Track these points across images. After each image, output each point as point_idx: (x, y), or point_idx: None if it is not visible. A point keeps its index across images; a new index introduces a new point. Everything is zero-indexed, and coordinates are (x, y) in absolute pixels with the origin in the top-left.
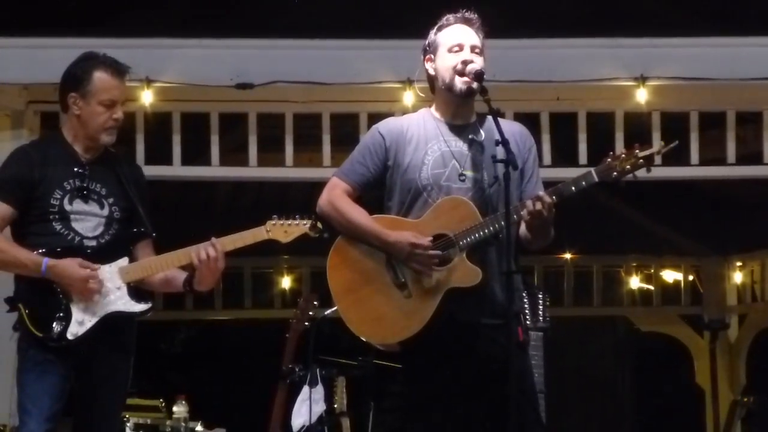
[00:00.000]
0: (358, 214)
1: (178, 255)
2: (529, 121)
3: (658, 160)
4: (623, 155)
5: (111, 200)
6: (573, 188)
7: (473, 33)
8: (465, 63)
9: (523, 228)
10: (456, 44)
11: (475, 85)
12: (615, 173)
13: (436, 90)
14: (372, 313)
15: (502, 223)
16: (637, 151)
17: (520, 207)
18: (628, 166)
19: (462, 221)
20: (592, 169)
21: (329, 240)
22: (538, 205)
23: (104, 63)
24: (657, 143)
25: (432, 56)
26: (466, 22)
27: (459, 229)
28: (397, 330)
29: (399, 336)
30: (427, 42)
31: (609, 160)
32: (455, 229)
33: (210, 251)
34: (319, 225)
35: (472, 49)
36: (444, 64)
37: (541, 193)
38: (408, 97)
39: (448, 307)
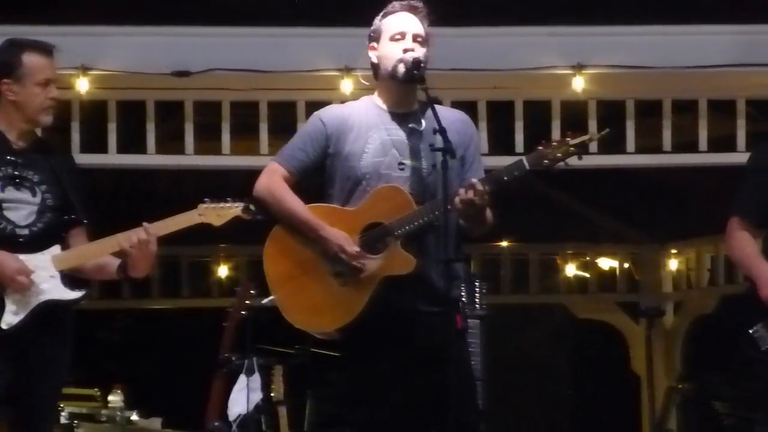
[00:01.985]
0: (294, 203)
1: (110, 241)
2: (467, 109)
3: (591, 147)
4: (555, 143)
5: (43, 188)
6: (505, 177)
7: (417, 21)
8: (405, 51)
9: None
10: (399, 32)
11: (415, 72)
12: (546, 161)
13: (379, 77)
14: (307, 301)
15: (437, 212)
16: (568, 139)
17: (453, 195)
18: (559, 154)
19: (397, 210)
20: (524, 157)
21: (267, 229)
22: (470, 194)
23: (31, 45)
24: (598, 130)
25: (375, 43)
26: (412, 10)
27: (395, 217)
28: (331, 319)
29: (333, 325)
30: (372, 29)
31: (541, 148)
32: (391, 217)
33: (141, 236)
34: (252, 207)
35: (415, 38)
36: (386, 51)
37: (474, 180)
38: (346, 85)
39: (386, 295)
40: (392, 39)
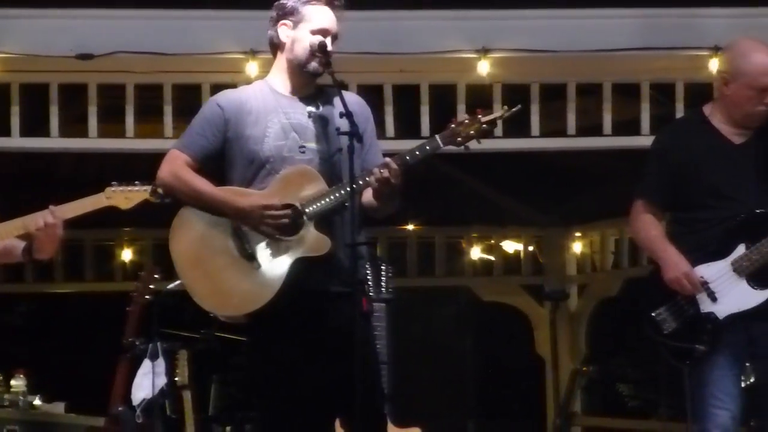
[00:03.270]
0: (203, 183)
1: (15, 224)
2: (373, 93)
3: (496, 131)
4: (466, 121)
5: None
6: (418, 154)
7: (335, 20)
8: (322, 47)
9: (367, 197)
10: (321, 29)
11: (322, 71)
12: (459, 138)
13: (283, 59)
14: (220, 285)
15: (344, 191)
16: (479, 116)
17: (367, 174)
18: (471, 132)
19: (308, 191)
20: (437, 136)
21: (171, 212)
22: (386, 173)
23: None
24: (501, 107)
25: (291, 24)
26: (330, 4)
27: (306, 198)
28: (246, 301)
29: (249, 307)
30: (289, 5)
31: (453, 126)
32: (302, 198)
33: (48, 219)
34: (160, 190)
35: (333, 38)
36: (303, 41)
37: (388, 159)
38: (251, 68)
39: (297, 276)
40: (314, 32)
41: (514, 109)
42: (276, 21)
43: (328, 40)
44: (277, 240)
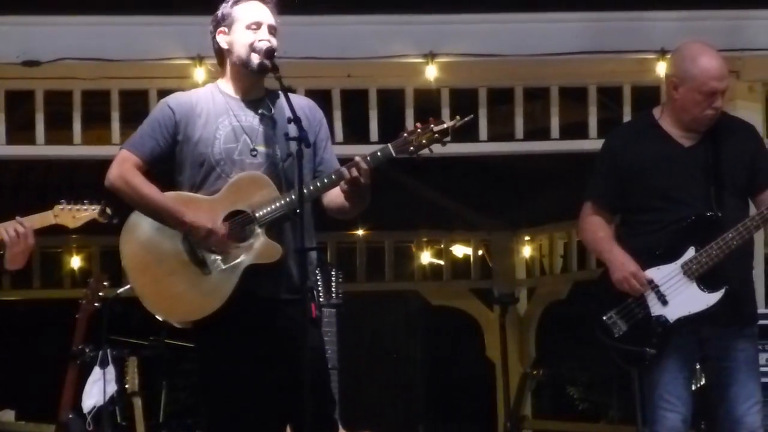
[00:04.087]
0: (151, 191)
1: None
2: (321, 97)
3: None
4: (419, 130)
5: None
6: (369, 161)
7: (269, 12)
8: (260, 41)
9: (333, 199)
10: (254, 22)
11: (268, 62)
12: (412, 147)
13: (228, 64)
14: (170, 291)
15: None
16: (432, 125)
17: (335, 174)
18: (424, 141)
19: (259, 197)
20: (389, 144)
21: (121, 220)
22: (355, 172)
23: None
24: (453, 118)
25: (226, 29)
26: (264, 1)
27: (257, 205)
28: (197, 308)
29: (199, 314)
30: (220, 14)
31: (405, 134)
32: (253, 205)
33: (18, 228)
34: (109, 211)
35: (269, 29)
36: (240, 39)
37: (358, 158)
38: (199, 74)
39: (248, 283)
40: (248, 28)
41: (466, 119)
42: (213, 32)
43: (264, 30)
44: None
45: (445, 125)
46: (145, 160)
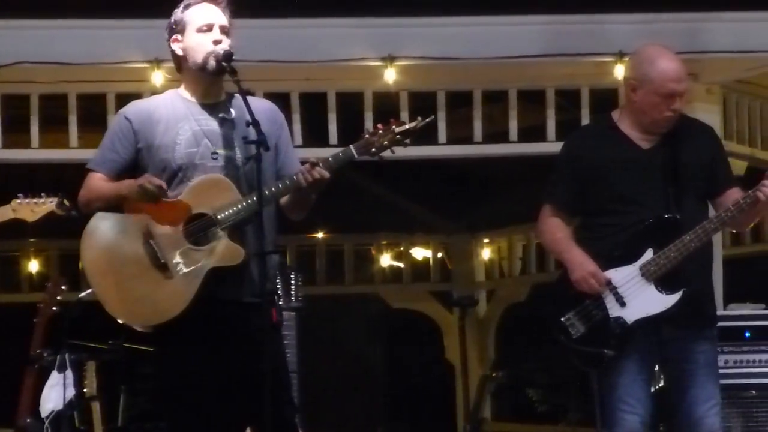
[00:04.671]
0: (103, 187)
1: None
2: (280, 101)
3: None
4: (380, 131)
5: None
6: (332, 162)
7: (221, 13)
8: (216, 43)
9: (286, 199)
10: (206, 24)
11: (226, 66)
12: (374, 149)
13: (185, 70)
14: (132, 295)
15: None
16: (393, 126)
17: (297, 175)
18: (385, 142)
19: (221, 200)
20: (351, 146)
21: (78, 222)
22: (316, 173)
23: None
24: (413, 120)
25: (180, 36)
26: (213, 1)
27: (219, 208)
28: (159, 311)
29: (162, 317)
30: (172, 21)
31: (367, 136)
32: (215, 208)
33: None
34: (66, 203)
35: (222, 29)
36: (193, 43)
37: (313, 159)
38: (157, 77)
39: (210, 286)
40: (199, 31)
41: (427, 119)
42: (168, 40)
43: (216, 31)
44: (191, 250)
45: (406, 126)
46: (111, 175)
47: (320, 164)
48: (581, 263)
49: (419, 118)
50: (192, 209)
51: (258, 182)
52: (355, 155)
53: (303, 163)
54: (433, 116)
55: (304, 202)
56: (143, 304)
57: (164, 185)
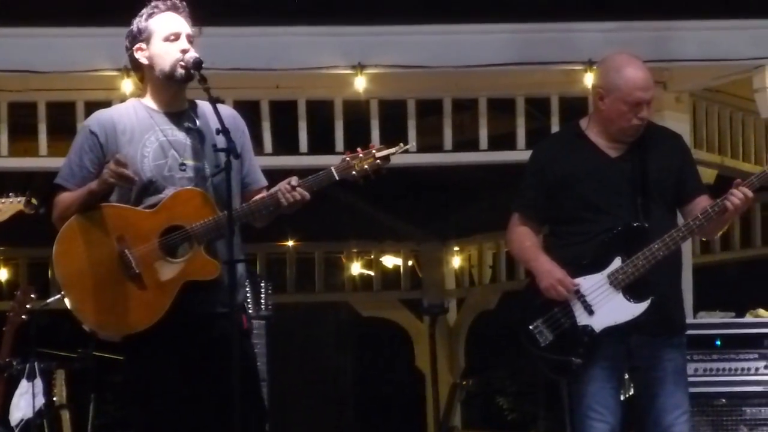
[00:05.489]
0: (71, 197)
1: None
2: (249, 109)
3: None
4: (361, 155)
5: None
6: (312, 184)
7: (184, 21)
8: (183, 52)
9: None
10: (173, 33)
11: (196, 74)
12: (354, 172)
13: (149, 78)
14: (106, 305)
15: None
16: (374, 151)
17: (274, 194)
18: (366, 166)
19: (198, 213)
20: (332, 168)
21: (47, 231)
22: (297, 195)
23: None
24: (397, 144)
25: (144, 44)
26: (176, 9)
27: (195, 220)
28: (132, 322)
29: (135, 328)
30: (135, 30)
31: (348, 159)
32: (191, 220)
33: None
34: (34, 201)
35: (188, 38)
36: (160, 52)
37: (292, 179)
38: (126, 85)
39: (184, 299)
40: (166, 39)
41: (407, 146)
42: (130, 49)
43: (183, 40)
44: (166, 262)
45: (387, 152)
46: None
47: (301, 185)
48: (549, 271)
49: (401, 144)
50: (168, 221)
51: (228, 192)
52: (336, 177)
53: (273, 172)
54: (413, 143)
55: (272, 216)
56: (116, 314)
57: (126, 161)
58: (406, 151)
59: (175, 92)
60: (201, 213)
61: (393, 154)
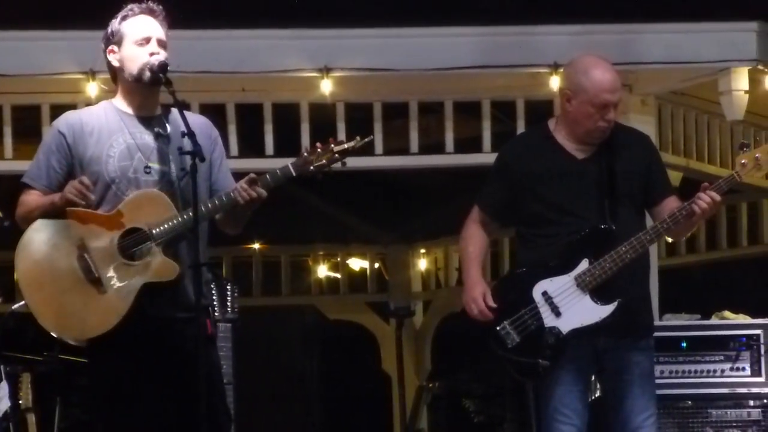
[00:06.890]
0: (36, 201)
1: None
2: (216, 112)
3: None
4: (319, 150)
5: None
6: (269, 180)
7: (158, 25)
8: (152, 55)
9: (220, 215)
10: (143, 37)
11: (161, 77)
12: (312, 167)
13: (121, 81)
14: (65, 308)
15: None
16: (332, 145)
17: (234, 193)
18: (324, 160)
19: (157, 215)
20: (289, 164)
21: (11, 234)
22: (253, 192)
23: None
24: (352, 138)
25: (116, 47)
26: (151, 13)
27: (154, 223)
28: (92, 326)
29: (95, 331)
30: (109, 32)
31: (306, 154)
32: (150, 223)
33: None
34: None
35: (159, 42)
36: (130, 55)
37: (252, 176)
38: (92, 89)
39: (144, 302)
40: (137, 43)
41: (366, 140)
42: (104, 51)
43: (153, 44)
44: (125, 265)
45: (345, 146)
46: (47, 191)
47: (257, 182)
48: (471, 286)
49: (358, 138)
50: (127, 224)
51: (194, 195)
52: (293, 173)
53: (239, 176)
54: (372, 136)
55: (239, 218)
56: (76, 318)
57: (90, 186)
58: (365, 147)
59: (146, 96)
60: (161, 215)
61: (351, 147)
